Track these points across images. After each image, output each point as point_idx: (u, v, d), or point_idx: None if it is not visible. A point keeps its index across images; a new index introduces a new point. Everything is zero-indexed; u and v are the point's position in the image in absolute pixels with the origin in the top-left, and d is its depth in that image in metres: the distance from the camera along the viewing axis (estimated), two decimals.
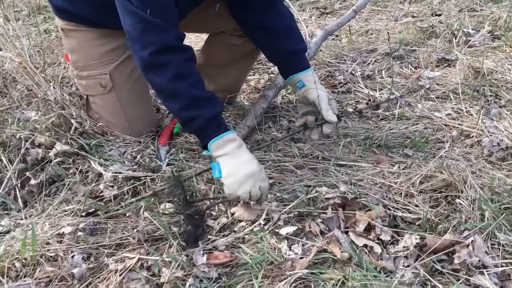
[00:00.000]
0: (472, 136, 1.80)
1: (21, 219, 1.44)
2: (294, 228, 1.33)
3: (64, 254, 1.27)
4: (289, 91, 2.17)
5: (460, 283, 1.15)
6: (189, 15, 1.68)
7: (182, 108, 1.43)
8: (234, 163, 1.39)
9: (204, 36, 2.05)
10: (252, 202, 1.42)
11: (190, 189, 1.47)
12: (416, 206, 1.40)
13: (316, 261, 1.23)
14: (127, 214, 1.44)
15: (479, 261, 1.19)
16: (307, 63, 1.74)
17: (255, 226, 1.36)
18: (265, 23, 1.70)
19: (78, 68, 1.76)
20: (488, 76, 2.20)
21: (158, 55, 1.40)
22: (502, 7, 3.05)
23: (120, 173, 1.57)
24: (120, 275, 1.21)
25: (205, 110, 1.43)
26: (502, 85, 2.15)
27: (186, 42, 2.99)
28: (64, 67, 2.37)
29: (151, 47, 1.39)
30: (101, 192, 1.51)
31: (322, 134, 1.71)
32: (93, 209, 1.45)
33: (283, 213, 1.39)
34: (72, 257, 1.26)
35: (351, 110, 2.06)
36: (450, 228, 1.29)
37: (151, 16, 1.38)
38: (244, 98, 2.20)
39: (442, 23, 2.91)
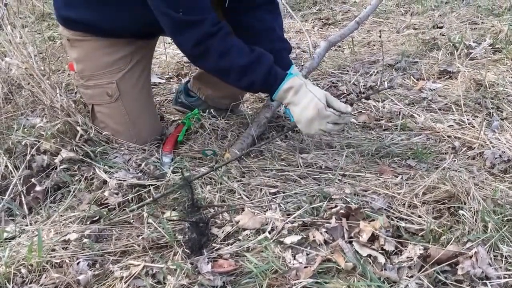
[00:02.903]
0: (474, 148, 1.82)
1: (27, 225, 1.45)
2: (299, 237, 1.34)
3: (69, 261, 1.27)
4: None
5: None
6: None
7: (237, 79, 1.60)
8: (297, 111, 1.59)
9: None
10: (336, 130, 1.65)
11: (195, 197, 1.48)
12: (419, 217, 1.41)
13: (321, 270, 1.24)
14: (132, 221, 1.44)
15: (482, 272, 1.20)
16: (288, 63, 1.75)
17: (259, 235, 1.36)
18: (245, 23, 1.75)
19: (84, 78, 1.77)
20: (489, 88, 2.22)
21: (197, 47, 1.55)
22: (503, 20, 3.08)
23: (124, 180, 1.58)
24: (125, 282, 1.21)
25: (257, 72, 1.58)
26: (503, 98, 2.17)
27: None
28: (69, 74, 2.39)
29: (189, 42, 1.55)
30: (106, 199, 1.52)
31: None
32: (98, 217, 1.45)
33: (287, 223, 1.39)
34: (78, 263, 1.26)
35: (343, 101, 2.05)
36: (453, 239, 1.30)
37: (182, 14, 1.49)
38: (247, 107, 2.22)
39: (443, 35, 2.94)
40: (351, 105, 1.93)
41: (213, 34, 1.54)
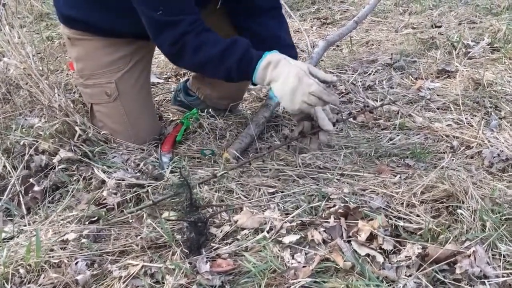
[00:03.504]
0: (473, 147, 1.82)
1: (25, 226, 1.45)
2: (297, 236, 1.34)
3: (68, 261, 1.27)
4: None
5: None
6: None
7: (214, 71, 1.60)
8: (278, 86, 1.53)
9: None
10: (322, 105, 1.54)
11: (194, 196, 1.48)
12: (418, 216, 1.41)
13: (319, 269, 1.24)
14: (131, 221, 1.44)
15: (480, 271, 1.20)
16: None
17: (258, 235, 1.36)
18: (250, 30, 1.75)
19: (83, 77, 1.78)
20: (488, 87, 2.22)
21: (174, 46, 1.57)
22: (501, 19, 3.09)
23: (123, 180, 1.58)
24: (123, 282, 1.21)
25: (231, 58, 1.56)
26: (502, 97, 2.17)
27: None
28: (67, 74, 2.39)
29: (166, 42, 1.57)
30: (105, 199, 1.52)
31: (320, 142, 1.73)
32: (96, 217, 1.45)
33: (285, 222, 1.39)
34: (76, 263, 1.26)
35: (346, 115, 2.06)
36: (452, 238, 1.30)
37: (161, 15, 1.51)
38: (246, 107, 2.22)
39: (442, 34, 2.94)
40: (354, 118, 1.94)
41: (188, 32, 1.55)
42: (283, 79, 1.51)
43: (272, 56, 1.55)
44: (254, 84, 1.64)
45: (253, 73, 1.56)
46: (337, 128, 1.80)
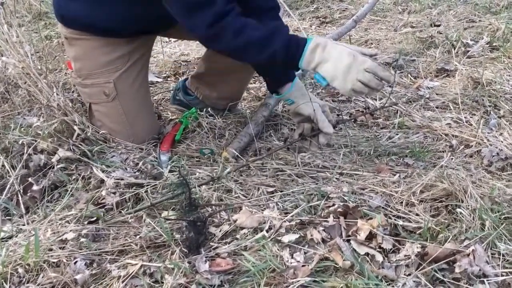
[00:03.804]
0: (472, 146, 1.82)
1: (24, 225, 1.44)
2: (296, 236, 1.34)
3: (67, 260, 1.27)
4: None
5: None
6: None
7: (257, 54, 1.52)
8: (329, 66, 1.47)
9: None
10: (375, 85, 1.47)
11: (193, 196, 1.48)
12: (417, 215, 1.41)
13: (318, 269, 1.24)
14: (130, 221, 1.44)
15: (479, 270, 1.20)
16: (291, 75, 1.75)
17: (257, 234, 1.36)
18: None
19: (81, 77, 1.77)
20: (487, 86, 2.22)
21: (212, 28, 1.49)
22: (500, 18, 3.09)
23: (122, 179, 1.58)
24: (123, 281, 1.21)
25: (276, 42, 1.50)
26: (501, 96, 2.17)
27: (187, 50, 3.02)
28: (66, 73, 2.38)
29: (202, 24, 1.49)
30: (103, 198, 1.52)
31: (320, 144, 1.74)
32: (95, 217, 1.45)
33: (285, 221, 1.39)
34: (75, 263, 1.26)
35: (346, 117, 2.06)
36: (451, 237, 1.30)
37: None
38: (245, 106, 2.22)
39: (441, 33, 2.94)
40: (355, 121, 1.94)
41: (226, 13, 1.49)
42: (335, 58, 1.47)
43: (319, 39, 1.51)
44: (297, 69, 1.59)
45: (301, 56, 1.51)
46: (336, 128, 1.80)
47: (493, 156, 1.71)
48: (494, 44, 2.72)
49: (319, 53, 1.49)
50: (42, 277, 1.23)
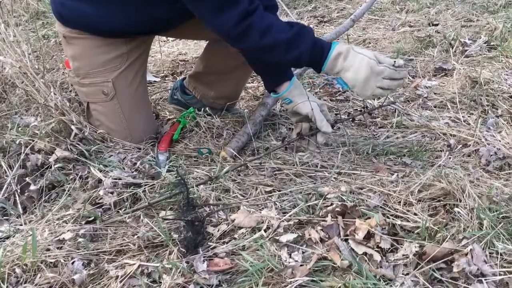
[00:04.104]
0: (470, 145, 1.82)
1: (21, 225, 1.44)
2: (294, 235, 1.33)
3: (64, 260, 1.27)
4: None
5: None
6: (190, 21, 1.70)
7: (283, 55, 1.57)
8: (350, 75, 1.56)
9: (203, 43, 2.06)
10: (395, 87, 1.59)
11: (190, 195, 1.48)
12: (415, 214, 1.41)
13: (316, 268, 1.23)
14: (128, 221, 1.44)
15: (477, 269, 1.20)
16: (289, 74, 1.75)
17: (255, 233, 1.36)
18: None
19: (79, 76, 1.77)
20: (485, 86, 2.22)
21: (239, 26, 1.52)
22: (498, 17, 3.09)
23: (120, 179, 1.57)
24: (120, 281, 1.21)
25: (302, 44, 1.56)
26: (498, 95, 2.17)
27: (185, 49, 3.01)
28: (63, 72, 2.38)
29: (229, 23, 1.52)
30: (101, 198, 1.51)
31: (318, 143, 1.74)
32: (93, 217, 1.45)
33: (283, 221, 1.39)
34: (73, 263, 1.26)
35: (345, 117, 2.06)
36: (449, 237, 1.30)
37: None
38: (243, 105, 2.21)
39: (439, 32, 2.94)
40: (353, 120, 1.95)
41: (252, 11, 1.52)
42: (354, 69, 1.56)
43: (341, 47, 1.57)
44: (320, 71, 1.64)
45: (324, 62, 1.58)
46: (334, 127, 1.80)
47: (491, 155, 1.71)
48: (492, 43, 2.72)
49: (340, 61, 1.57)
50: (40, 277, 1.22)
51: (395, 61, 1.57)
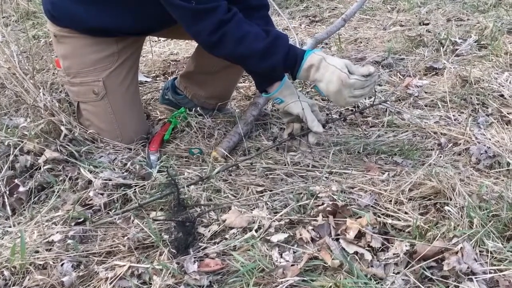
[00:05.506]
0: (460, 144, 1.83)
1: (10, 227, 1.43)
2: (285, 235, 1.33)
3: (53, 262, 1.26)
4: None
5: None
6: None
7: (258, 64, 1.60)
8: (323, 86, 1.60)
9: (195, 43, 2.05)
10: (367, 95, 1.63)
11: (181, 196, 1.47)
12: (406, 213, 1.41)
13: (307, 268, 1.23)
14: (117, 222, 1.43)
15: (468, 268, 1.20)
16: (280, 75, 1.75)
17: (246, 234, 1.36)
18: None
19: (70, 75, 1.76)
20: (475, 84, 2.23)
21: (214, 34, 1.55)
22: (488, 17, 3.10)
23: (110, 180, 1.56)
24: (110, 283, 1.20)
25: (277, 54, 1.59)
26: (489, 94, 2.18)
27: (176, 49, 3.00)
28: (53, 73, 2.36)
29: (205, 31, 1.55)
30: (91, 199, 1.50)
31: (309, 143, 1.74)
32: (82, 219, 1.44)
33: (274, 221, 1.39)
34: (62, 265, 1.25)
35: (336, 116, 2.06)
36: (439, 235, 1.30)
37: (195, 4, 1.50)
38: (234, 105, 2.21)
39: (429, 32, 2.95)
40: (345, 120, 1.95)
41: (228, 20, 1.55)
42: (326, 81, 1.59)
43: (313, 58, 1.60)
44: (295, 79, 1.68)
45: (298, 71, 1.62)
46: (325, 127, 1.80)
47: (481, 154, 1.72)
48: (482, 42, 2.73)
49: (312, 73, 1.61)
50: (29, 279, 1.22)
51: (367, 70, 1.59)
